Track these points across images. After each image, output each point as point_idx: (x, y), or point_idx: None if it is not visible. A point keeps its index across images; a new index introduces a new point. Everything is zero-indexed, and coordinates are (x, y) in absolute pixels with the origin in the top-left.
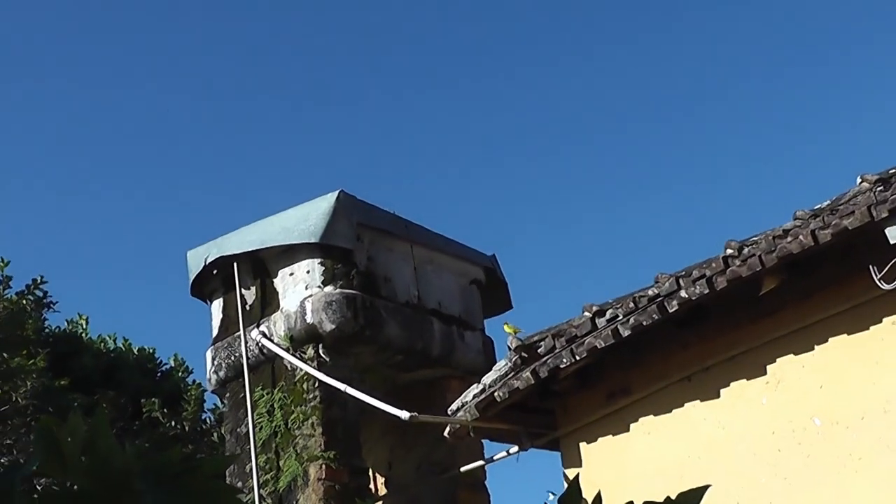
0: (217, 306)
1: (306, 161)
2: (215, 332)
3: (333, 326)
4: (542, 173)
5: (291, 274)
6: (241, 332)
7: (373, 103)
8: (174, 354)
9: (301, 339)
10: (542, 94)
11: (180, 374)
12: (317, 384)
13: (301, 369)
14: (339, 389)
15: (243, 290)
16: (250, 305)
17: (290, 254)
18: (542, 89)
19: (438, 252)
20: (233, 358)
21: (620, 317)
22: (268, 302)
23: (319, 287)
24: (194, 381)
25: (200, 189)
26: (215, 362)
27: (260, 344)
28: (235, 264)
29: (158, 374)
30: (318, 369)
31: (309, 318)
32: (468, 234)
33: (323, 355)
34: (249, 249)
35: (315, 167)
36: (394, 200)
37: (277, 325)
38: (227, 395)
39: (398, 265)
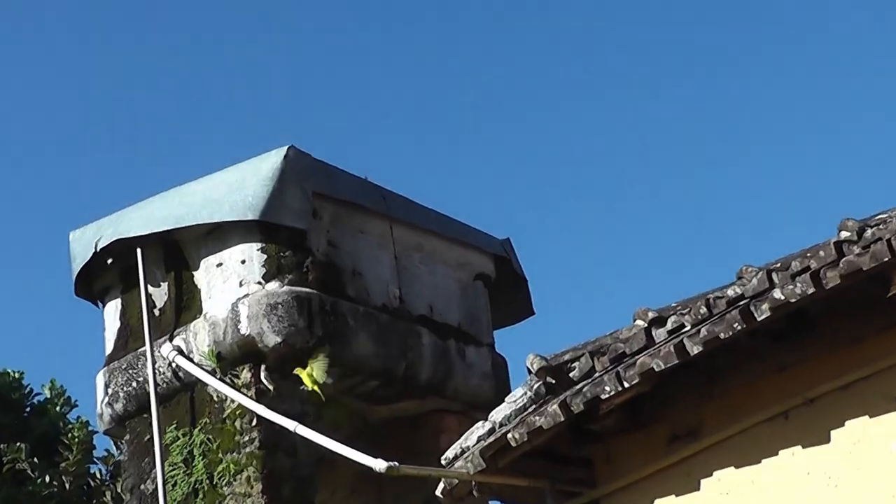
0: (112, 310)
1: (245, 106)
2: (110, 347)
3: (279, 340)
4: (571, 136)
5: (219, 265)
6: (148, 346)
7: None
8: (50, 381)
9: (233, 357)
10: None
11: (58, 408)
12: (255, 421)
13: (233, 401)
14: (286, 429)
15: (150, 288)
16: (160, 309)
17: (219, 236)
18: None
19: (430, 235)
20: (134, 384)
21: (688, 327)
22: (185, 304)
23: (259, 283)
24: (79, 419)
25: (87, 149)
26: (109, 391)
27: (174, 364)
28: (139, 251)
29: (27, 409)
30: (258, 401)
31: (244, 328)
32: (472, 215)
33: (265, 381)
34: (160, 230)
35: (257, 116)
36: (367, 164)
37: (199, 336)
38: (127, 436)
39: (372, 253)
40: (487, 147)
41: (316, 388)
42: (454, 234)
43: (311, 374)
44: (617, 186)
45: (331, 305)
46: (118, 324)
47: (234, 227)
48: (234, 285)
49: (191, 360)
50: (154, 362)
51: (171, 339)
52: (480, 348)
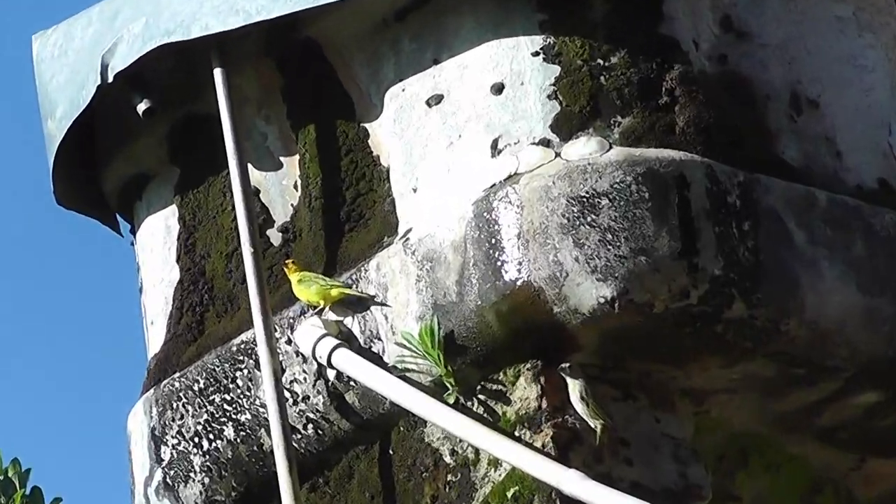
0: (155, 239)
1: None
2: (155, 339)
3: (607, 293)
4: None
5: (436, 99)
6: (259, 328)
7: None
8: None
9: (487, 341)
10: None
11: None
12: None
13: (496, 463)
14: None
15: (255, 172)
16: (284, 228)
17: (424, 20)
18: None
19: None
20: (226, 443)
21: None
22: (347, 208)
23: (545, 143)
24: None
25: None
26: (162, 459)
27: (328, 375)
28: (220, 73)
29: None
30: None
31: (513, 267)
32: None
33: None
34: (275, 14)
35: None
36: None
37: (392, 294)
38: None
39: (839, 49)
40: None
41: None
42: None
43: None
44: None
45: (741, 191)
46: (174, 273)
47: None
48: (475, 150)
49: (373, 356)
50: (276, 375)
51: (317, 314)
52: None
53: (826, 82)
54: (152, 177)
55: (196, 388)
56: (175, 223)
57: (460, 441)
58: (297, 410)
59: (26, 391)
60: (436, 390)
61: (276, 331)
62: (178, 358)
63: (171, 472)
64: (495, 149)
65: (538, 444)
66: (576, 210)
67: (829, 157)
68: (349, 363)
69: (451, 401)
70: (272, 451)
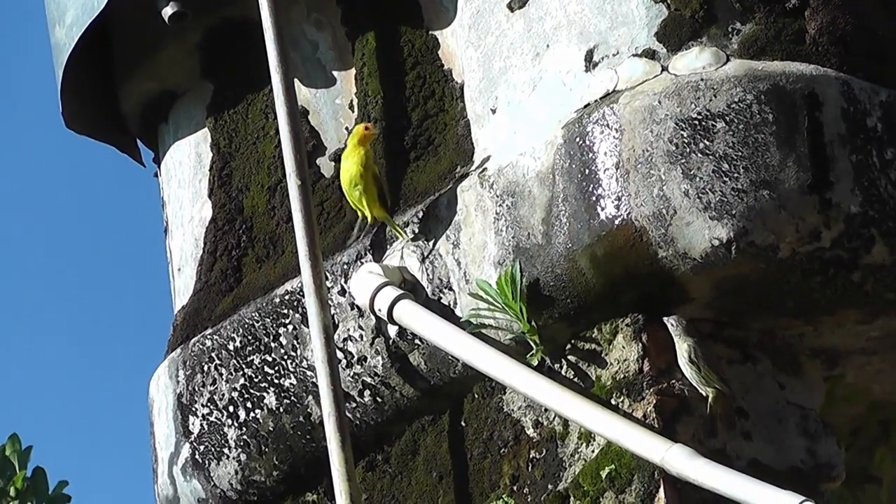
0: (185, 169)
1: None
2: (184, 287)
3: (722, 235)
4: None
5: (518, 4)
6: (307, 273)
7: None
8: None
9: (580, 293)
10: None
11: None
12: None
13: (590, 437)
14: None
15: (305, 90)
16: (335, 156)
17: None
18: None
19: None
20: (271, 410)
21: None
22: (413, 135)
23: (650, 55)
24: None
25: None
26: (193, 423)
27: (389, 331)
28: None
29: None
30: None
31: (612, 200)
32: None
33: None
34: None
35: None
36: None
37: (464, 236)
38: None
39: None
40: None
41: None
42: None
43: None
44: None
45: (884, 113)
46: (206, 211)
47: None
48: (566, 63)
49: (443, 309)
50: (327, 332)
51: (371, 250)
52: None
53: None
54: (181, 94)
55: (231, 346)
56: (207, 150)
57: (546, 411)
58: (352, 374)
59: (24, 357)
60: (517, 350)
61: (327, 279)
62: (210, 311)
63: (202, 448)
64: (590, 61)
65: (639, 415)
66: (686, 135)
67: None
68: (414, 317)
69: (535, 363)
70: (322, 423)
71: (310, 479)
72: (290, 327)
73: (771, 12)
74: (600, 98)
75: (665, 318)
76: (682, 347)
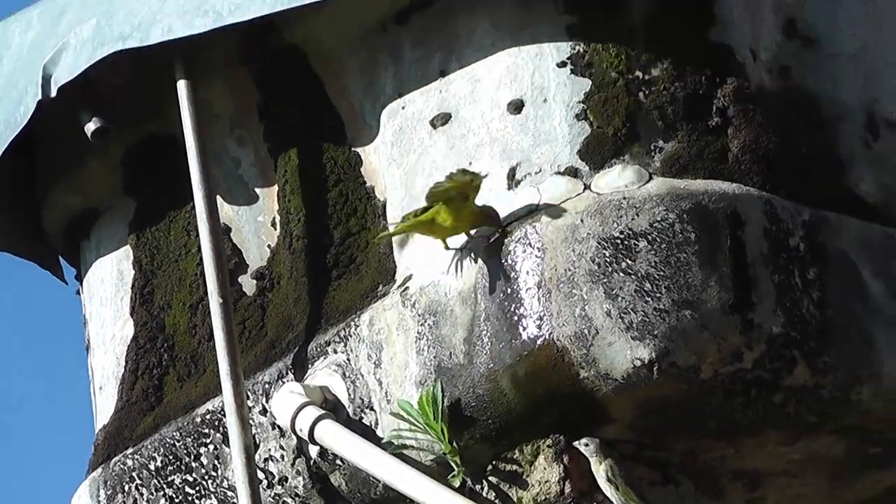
0: (105, 285)
1: None
2: (105, 406)
3: (644, 355)
4: None
5: (442, 119)
6: (228, 395)
7: None
8: None
9: (502, 413)
10: None
11: None
12: None
13: None
14: None
15: (226, 207)
16: (260, 275)
17: (431, 16)
18: None
19: None
20: None
21: None
22: (337, 246)
23: (571, 173)
24: None
25: None
26: None
27: (311, 455)
28: (183, 86)
29: None
30: None
31: (533, 323)
32: None
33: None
34: (242, 18)
35: None
36: None
37: (387, 354)
38: None
39: None
40: None
41: None
42: None
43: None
44: None
45: (806, 232)
46: (127, 329)
47: None
48: (488, 181)
49: (364, 429)
50: (248, 452)
51: (293, 369)
52: None
53: None
54: (103, 211)
55: (153, 466)
56: (129, 268)
57: None
58: (273, 494)
59: None
60: (439, 471)
61: (248, 398)
62: (131, 430)
63: None
64: (512, 179)
65: None
66: (608, 254)
67: None
68: (335, 438)
69: (457, 484)
70: None
71: None
72: (212, 447)
73: (693, 130)
74: (522, 216)
75: (576, 442)
76: (601, 468)
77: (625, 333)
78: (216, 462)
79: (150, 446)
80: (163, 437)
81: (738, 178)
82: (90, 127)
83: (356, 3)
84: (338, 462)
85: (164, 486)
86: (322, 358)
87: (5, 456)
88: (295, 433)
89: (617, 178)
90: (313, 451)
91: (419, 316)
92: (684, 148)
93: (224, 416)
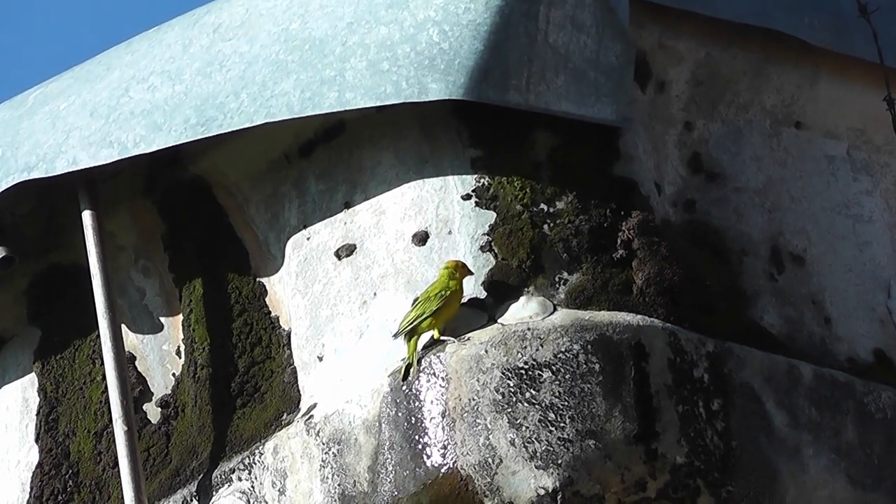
0: (15, 407)
1: None
2: None
3: (553, 483)
4: None
5: (345, 252)
6: None
7: None
8: None
9: None
10: None
11: None
12: None
13: None
14: None
15: (132, 336)
16: (164, 403)
17: (338, 156)
18: None
19: None
20: None
21: None
22: (240, 380)
23: (483, 302)
24: None
25: None
26: None
27: None
28: (89, 216)
29: None
30: None
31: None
32: None
33: None
34: (155, 148)
35: None
36: None
37: (291, 483)
38: None
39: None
40: None
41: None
42: None
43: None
44: None
45: (711, 364)
46: (32, 455)
47: (385, 124)
48: (393, 312)
49: None
50: None
51: (198, 496)
52: None
53: (814, 235)
54: (8, 339)
55: None
56: (34, 395)
57: None
58: None
59: None
60: None
61: None
62: None
63: None
64: None
65: None
66: (512, 384)
67: (816, 323)
68: None
69: None
70: None
71: None
72: None
73: (598, 262)
74: (427, 347)
75: None
76: None
77: (529, 462)
78: None
79: None
80: None
81: (643, 310)
82: None
83: (260, 136)
84: None
85: None
86: (226, 485)
87: None
88: None
89: (521, 309)
90: None
91: (323, 444)
92: (589, 280)
93: None
